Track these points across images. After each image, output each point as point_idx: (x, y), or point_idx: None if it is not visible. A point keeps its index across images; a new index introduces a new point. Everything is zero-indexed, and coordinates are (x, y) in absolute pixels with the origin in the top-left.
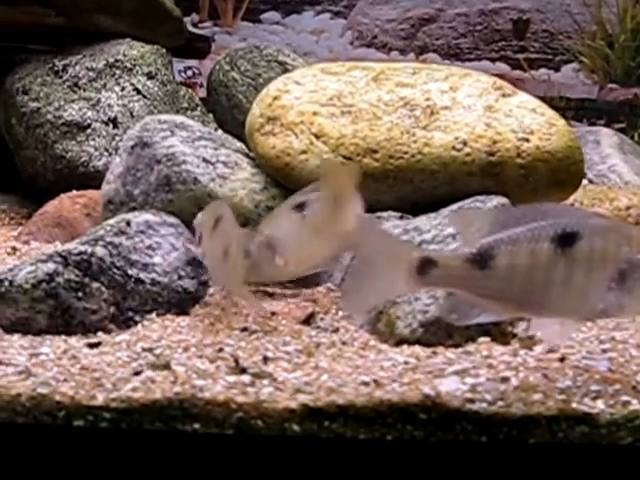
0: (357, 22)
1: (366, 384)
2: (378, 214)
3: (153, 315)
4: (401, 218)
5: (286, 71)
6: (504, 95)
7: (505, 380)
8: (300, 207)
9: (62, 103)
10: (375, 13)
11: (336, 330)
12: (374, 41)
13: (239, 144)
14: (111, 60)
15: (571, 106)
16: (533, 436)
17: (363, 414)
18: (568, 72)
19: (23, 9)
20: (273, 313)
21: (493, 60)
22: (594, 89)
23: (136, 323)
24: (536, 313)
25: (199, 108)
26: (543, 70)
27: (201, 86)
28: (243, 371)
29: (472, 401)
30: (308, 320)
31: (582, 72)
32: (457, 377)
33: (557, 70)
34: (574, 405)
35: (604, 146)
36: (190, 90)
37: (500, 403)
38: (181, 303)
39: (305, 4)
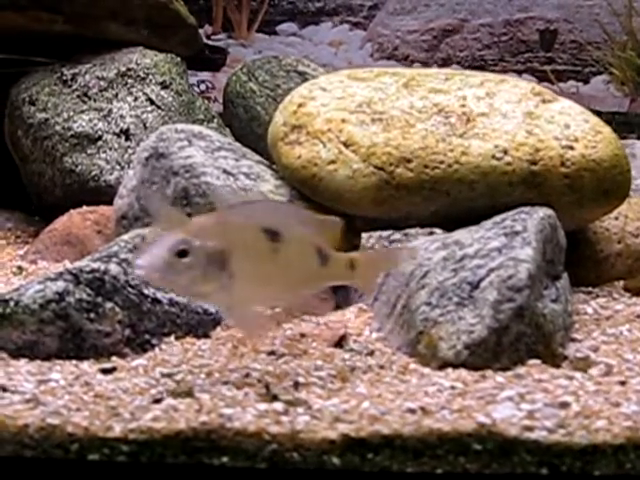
0: (377, 33)
1: (412, 411)
2: (405, 231)
3: (171, 338)
4: (430, 234)
5: (306, 81)
6: (544, 101)
7: (565, 405)
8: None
9: (71, 114)
10: (396, 24)
11: (371, 353)
12: (395, 53)
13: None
14: (123, 69)
15: (601, 119)
16: (598, 467)
17: (411, 445)
18: (598, 84)
19: (30, 15)
20: (302, 335)
21: (519, 72)
22: (625, 102)
23: (153, 347)
24: None
25: (216, 120)
26: (571, 82)
27: (215, 101)
28: (275, 398)
29: (530, 429)
30: (340, 342)
31: (612, 84)
32: (511, 403)
33: (586, 82)
34: None
35: None
36: (206, 101)
37: (561, 431)
38: (201, 325)
39: (323, 15)
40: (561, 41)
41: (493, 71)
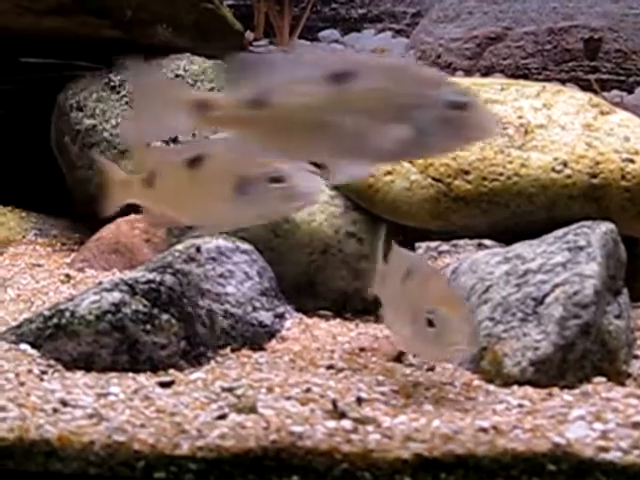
0: (420, 41)
1: (484, 431)
2: (453, 242)
3: (227, 350)
4: (479, 246)
5: None
6: (602, 113)
7: (637, 425)
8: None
9: (119, 120)
10: (439, 32)
11: (432, 368)
12: (438, 61)
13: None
14: (171, 75)
15: None
16: None
17: (484, 465)
18: None
19: (78, 19)
20: (362, 349)
21: (563, 81)
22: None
23: (208, 359)
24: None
25: None
26: (615, 92)
27: None
28: (343, 415)
29: (606, 450)
30: (399, 357)
31: None
32: (584, 422)
33: (630, 92)
34: None
35: None
36: None
37: (636, 452)
38: (256, 337)
39: (366, 22)
40: (605, 50)
41: (537, 80)
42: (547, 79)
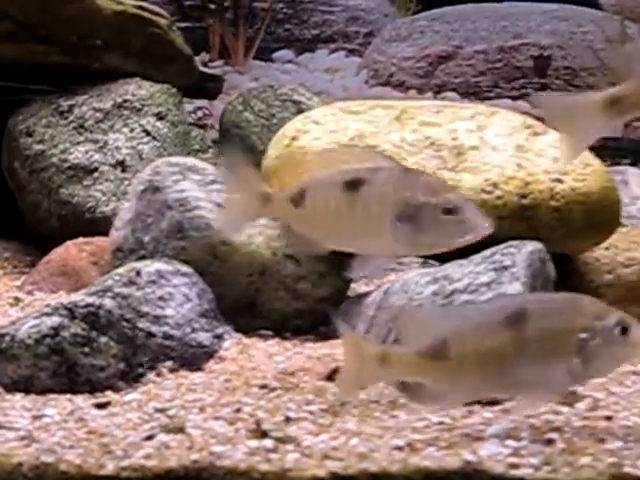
0: (373, 60)
1: (400, 449)
2: (399, 259)
3: (165, 371)
4: (424, 263)
5: (301, 111)
6: (535, 134)
7: (550, 442)
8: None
9: (68, 145)
10: (391, 51)
11: (362, 387)
12: (390, 79)
13: None
14: (119, 100)
15: (594, 145)
16: None
17: None
18: None
19: (26, 47)
20: (296, 369)
21: (514, 98)
22: (619, 127)
23: (147, 380)
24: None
25: (211, 150)
26: None
27: (211, 127)
28: (265, 435)
29: (516, 466)
30: (331, 376)
31: None
32: (497, 440)
33: None
34: (627, 469)
35: (633, 186)
36: (202, 131)
37: (546, 468)
38: (195, 358)
39: (319, 42)
40: (555, 67)
41: (488, 97)
42: (498, 96)
